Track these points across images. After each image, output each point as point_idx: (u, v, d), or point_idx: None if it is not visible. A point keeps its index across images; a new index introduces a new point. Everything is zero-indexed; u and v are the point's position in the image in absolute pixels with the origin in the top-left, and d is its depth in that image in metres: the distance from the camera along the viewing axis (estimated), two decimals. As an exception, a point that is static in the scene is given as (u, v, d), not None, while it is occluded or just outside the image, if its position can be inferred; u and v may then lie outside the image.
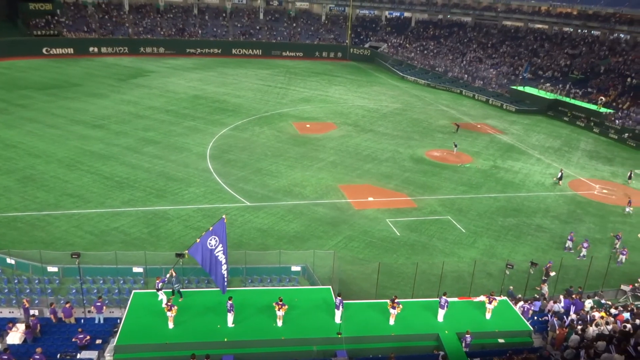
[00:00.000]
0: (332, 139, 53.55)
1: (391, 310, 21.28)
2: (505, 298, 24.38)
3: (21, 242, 29.44)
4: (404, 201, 39.28)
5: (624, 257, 31.86)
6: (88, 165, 41.65)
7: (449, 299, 22.16)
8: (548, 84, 78.57)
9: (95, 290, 25.40)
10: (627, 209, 40.11)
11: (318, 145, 51.24)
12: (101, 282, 26.30)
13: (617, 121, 64.50)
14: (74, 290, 25.16)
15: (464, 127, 61.81)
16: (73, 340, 20.34)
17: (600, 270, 29.27)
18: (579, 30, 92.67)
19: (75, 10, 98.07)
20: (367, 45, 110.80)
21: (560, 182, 45.01)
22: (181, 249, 22.61)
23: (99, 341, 20.83)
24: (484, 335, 21.61)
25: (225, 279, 22.30)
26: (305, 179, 42.01)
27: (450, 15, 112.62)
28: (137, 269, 26.53)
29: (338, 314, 21.05)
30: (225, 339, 19.89)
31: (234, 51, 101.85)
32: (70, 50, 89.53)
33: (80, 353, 19.76)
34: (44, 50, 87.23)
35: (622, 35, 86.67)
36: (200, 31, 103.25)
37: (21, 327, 21.09)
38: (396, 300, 21.31)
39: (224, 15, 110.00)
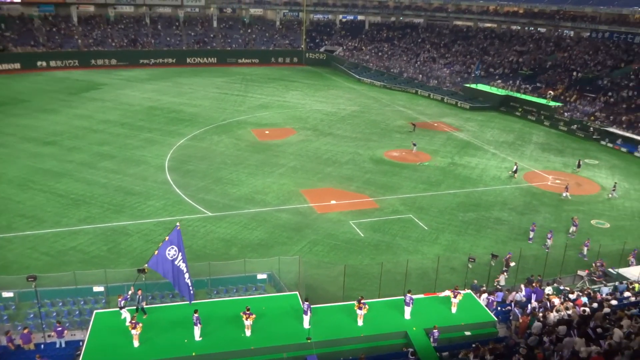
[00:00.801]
0: (292, 144, 53.54)
1: (358, 311, 21.40)
2: (469, 291, 24.86)
3: (-28, 268, 28.18)
4: (366, 202, 39.61)
5: (549, 241, 32.88)
6: (41, 184, 40.24)
7: (415, 296, 22.46)
8: (499, 81, 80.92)
9: (54, 314, 24.47)
10: (564, 194, 41.94)
11: (278, 151, 51.13)
12: (60, 304, 25.32)
13: (565, 114, 66.97)
14: (31, 315, 24.17)
15: (421, 126, 62.90)
16: (33, 366, 19.55)
17: (558, 258, 30.32)
18: (526, 28, 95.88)
19: (21, 24, 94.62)
20: (322, 50, 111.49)
21: (516, 175, 46.37)
22: (143, 264, 22.10)
23: (61, 366, 20.11)
24: (450, 329, 21.97)
25: (191, 288, 21.91)
26: (267, 186, 41.83)
27: (403, 17, 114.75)
28: (98, 288, 25.72)
29: (306, 319, 21.00)
30: (194, 354, 19.52)
31: (188, 60, 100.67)
32: (17, 65, 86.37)
33: (41, 379, 19.02)
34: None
35: (566, 32, 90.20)
36: (153, 41, 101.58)
37: (-24, 357, 20.16)
38: (362, 301, 21.44)
39: (177, 24, 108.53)
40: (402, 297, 22.63)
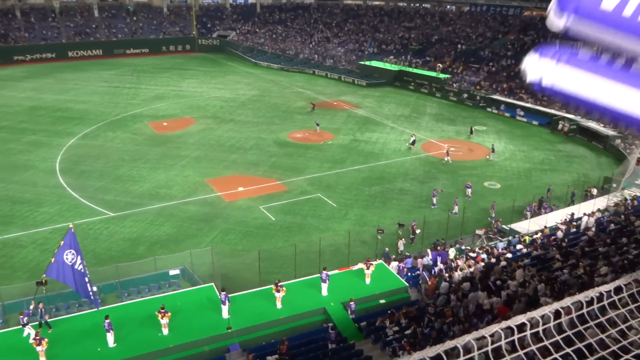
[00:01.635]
0: (193, 134, 52.04)
1: (276, 294, 21.53)
2: (381, 261, 25.88)
3: None
4: (274, 186, 39.63)
5: (456, 207, 35.20)
6: None
7: (330, 272, 23.00)
8: (392, 57, 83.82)
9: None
10: (446, 159, 44.93)
11: (179, 142, 49.47)
12: (-51, 330, 23.00)
13: (454, 85, 71.05)
14: None
15: (322, 105, 63.74)
16: None
17: (458, 220, 32.39)
18: (412, 4, 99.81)
19: None
20: (215, 35, 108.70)
21: (412, 146, 48.57)
22: (41, 275, 20.55)
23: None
24: (366, 299, 22.81)
25: (91, 292, 20.58)
26: (171, 179, 40.43)
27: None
28: (-8, 308, 23.65)
29: (225, 309, 20.77)
30: (108, 361, 18.64)
31: (70, 54, 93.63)
32: None
33: None
34: None
35: (448, 7, 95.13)
36: (27, 35, 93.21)
37: None
38: (279, 284, 21.59)
39: (52, 15, 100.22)
40: (318, 275, 23.08)
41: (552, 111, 57.89)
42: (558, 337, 5.06)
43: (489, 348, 4.73)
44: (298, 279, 24.37)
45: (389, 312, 21.22)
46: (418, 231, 31.35)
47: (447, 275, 23.49)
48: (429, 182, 40.87)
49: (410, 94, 73.22)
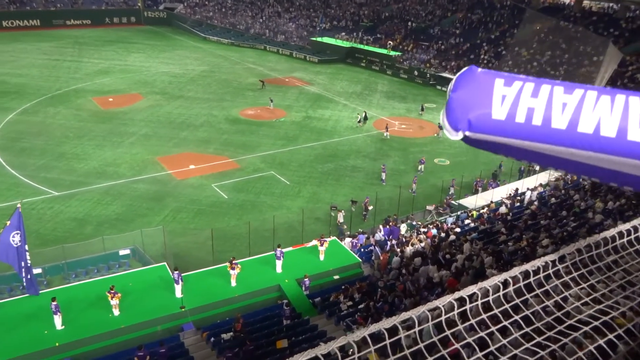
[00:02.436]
0: (140, 111, 50.41)
1: (231, 272, 21.45)
2: (334, 238, 26.19)
3: None
4: (226, 164, 39.11)
5: (414, 186, 36.00)
6: None
7: (285, 249, 23.09)
8: (343, 33, 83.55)
9: None
10: (385, 134, 45.82)
11: (126, 119, 47.82)
12: None
13: (405, 62, 71.73)
14: None
15: (273, 82, 63.03)
16: None
17: (409, 196, 33.09)
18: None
19: None
20: (162, 8, 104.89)
21: (361, 123, 48.84)
22: (-19, 258, 19.66)
23: None
24: (320, 275, 23.11)
25: (28, 276, 19.70)
26: (118, 157, 39.16)
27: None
28: None
29: (178, 288, 20.53)
30: (57, 344, 18.09)
31: (4, 24, 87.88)
32: None
33: None
34: None
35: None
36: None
37: None
38: (234, 261, 21.50)
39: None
40: (273, 252, 23.13)
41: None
42: (507, 306, 5.32)
43: (443, 318, 4.90)
44: (252, 257, 24.35)
45: (343, 287, 21.60)
46: (371, 207, 31.84)
47: (399, 250, 24.05)
48: (380, 159, 41.40)
49: (362, 71, 73.45)
